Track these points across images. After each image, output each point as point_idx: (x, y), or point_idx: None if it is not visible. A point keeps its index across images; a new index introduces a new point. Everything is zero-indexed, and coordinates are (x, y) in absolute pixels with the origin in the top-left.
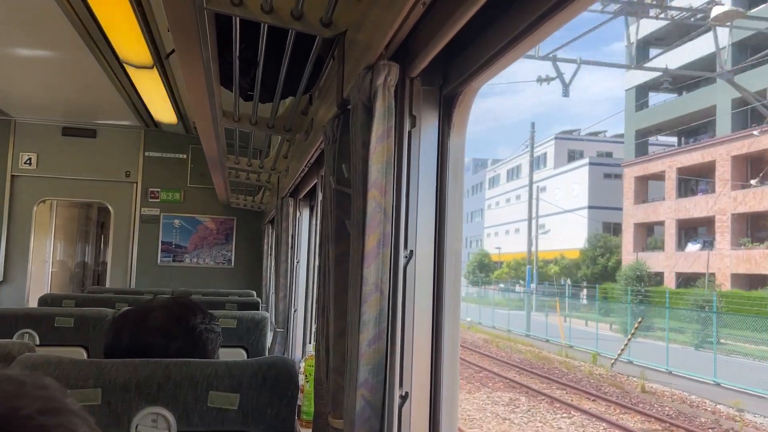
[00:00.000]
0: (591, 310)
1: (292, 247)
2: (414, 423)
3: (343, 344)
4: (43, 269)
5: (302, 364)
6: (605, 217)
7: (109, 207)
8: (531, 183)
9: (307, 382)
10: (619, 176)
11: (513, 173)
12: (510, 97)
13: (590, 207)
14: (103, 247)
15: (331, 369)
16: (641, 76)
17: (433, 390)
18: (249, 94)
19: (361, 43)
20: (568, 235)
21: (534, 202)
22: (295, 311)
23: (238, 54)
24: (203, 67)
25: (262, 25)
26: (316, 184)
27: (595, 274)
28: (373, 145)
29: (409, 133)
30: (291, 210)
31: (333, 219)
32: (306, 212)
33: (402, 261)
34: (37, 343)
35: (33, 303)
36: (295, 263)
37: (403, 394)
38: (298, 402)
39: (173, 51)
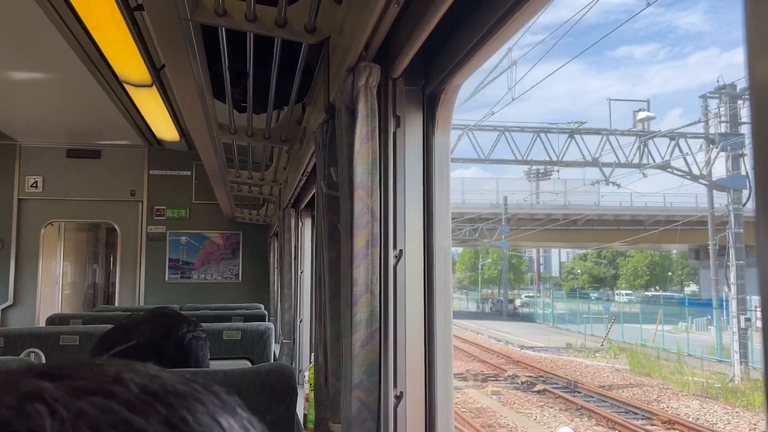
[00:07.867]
0: None
1: (295, 258)
2: (410, 422)
3: (340, 348)
4: (54, 291)
5: (307, 373)
6: None
7: (116, 226)
8: None
9: (312, 390)
10: None
11: None
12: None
13: None
14: (113, 268)
15: (330, 373)
16: None
17: (428, 389)
18: (243, 106)
19: (343, 47)
20: None
21: None
22: (300, 321)
23: (227, 65)
24: (194, 78)
25: (249, 34)
26: (315, 193)
27: None
28: (358, 147)
29: (394, 133)
30: (293, 221)
31: (326, 224)
32: (308, 222)
33: (392, 261)
34: (43, 361)
35: (43, 324)
36: (299, 273)
37: (398, 394)
38: (304, 411)
39: (164, 65)
